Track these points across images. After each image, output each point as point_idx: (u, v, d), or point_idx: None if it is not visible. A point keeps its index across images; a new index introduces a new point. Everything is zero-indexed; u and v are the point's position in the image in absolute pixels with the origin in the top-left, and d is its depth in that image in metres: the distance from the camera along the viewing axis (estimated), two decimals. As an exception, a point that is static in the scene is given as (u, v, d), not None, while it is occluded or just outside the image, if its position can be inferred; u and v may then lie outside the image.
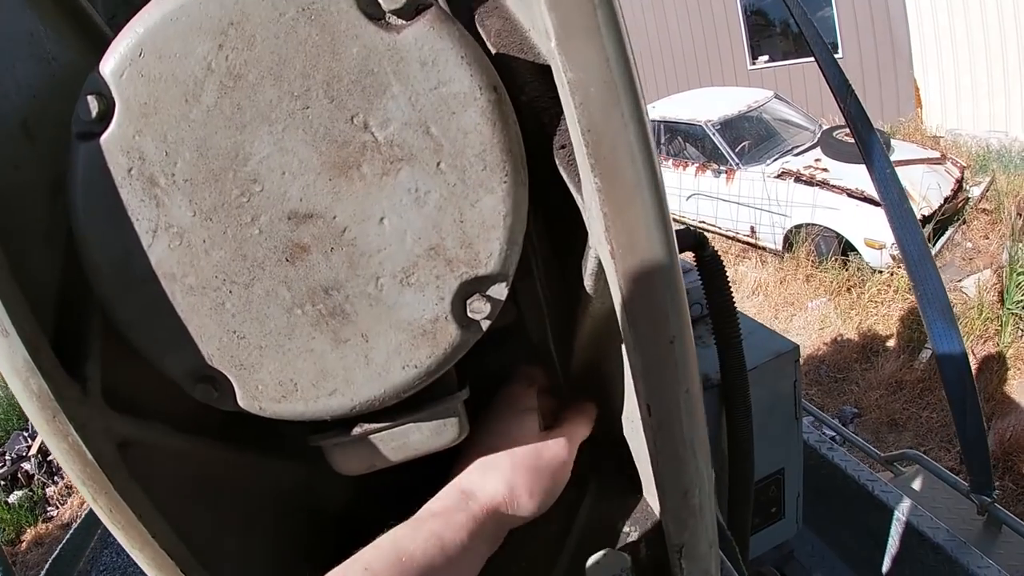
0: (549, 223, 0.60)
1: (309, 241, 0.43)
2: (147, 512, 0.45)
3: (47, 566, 1.62)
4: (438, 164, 0.42)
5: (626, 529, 0.73)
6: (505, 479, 0.54)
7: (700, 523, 0.54)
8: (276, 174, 0.41)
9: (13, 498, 4.82)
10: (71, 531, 1.70)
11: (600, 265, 0.45)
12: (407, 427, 0.52)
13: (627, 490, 0.78)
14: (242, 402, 0.46)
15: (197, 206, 0.41)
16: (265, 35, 0.40)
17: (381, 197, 0.42)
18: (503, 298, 0.45)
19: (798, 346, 1.52)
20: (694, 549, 0.56)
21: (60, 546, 1.64)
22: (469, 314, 0.44)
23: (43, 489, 4.94)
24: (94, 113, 0.40)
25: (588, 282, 0.49)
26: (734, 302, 1.29)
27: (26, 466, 5.04)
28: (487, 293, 0.44)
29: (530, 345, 0.74)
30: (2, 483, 4.95)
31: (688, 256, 1.39)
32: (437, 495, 0.53)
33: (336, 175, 0.42)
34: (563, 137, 0.45)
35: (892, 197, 1.54)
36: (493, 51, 0.49)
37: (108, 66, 0.40)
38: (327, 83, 0.40)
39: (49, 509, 4.83)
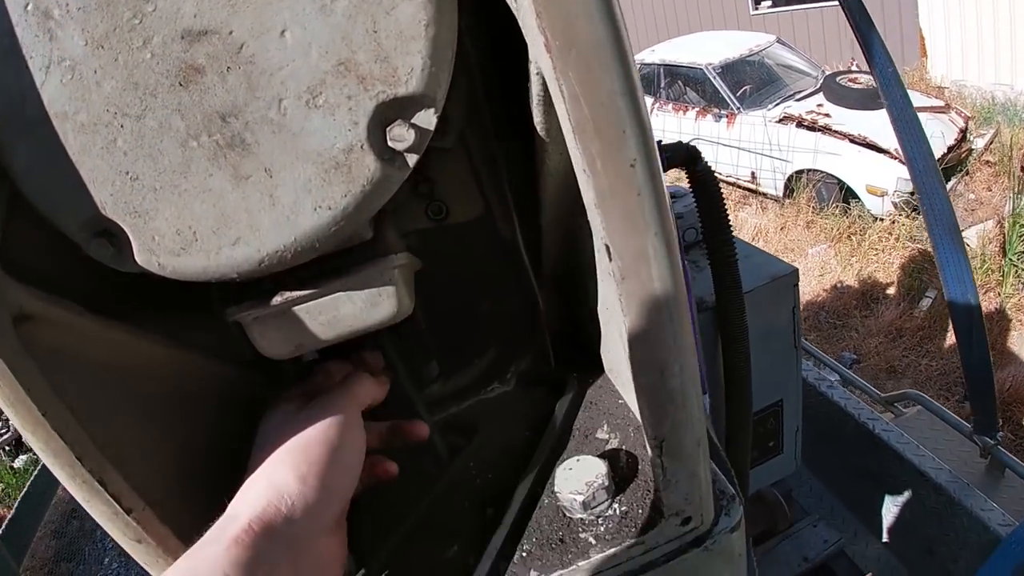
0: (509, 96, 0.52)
1: (204, 61, 0.37)
2: (40, 390, 0.40)
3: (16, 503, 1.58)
4: None
5: (604, 436, 0.68)
6: (261, 487, 0.45)
7: (683, 412, 0.47)
8: None
9: (18, 463, 4.85)
10: (36, 469, 1.66)
11: (546, 89, 0.38)
12: (336, 296, 0.46)
13: (606, 395, 0.72)
14: (139, 257, 0.41)
15: (89, 34, 0.38)
16: None
17: (282, 7, 0.36)
18: (431, 127, 0.38)
19: (797, 269, 1.44)
20: (677, 445, 0.48)
21: (29, 482, 1.61)
22: (389, 143, 0.38)
23: (46, 452, 4.96)
24: None
25: (537, 118, 0.42)
26: (728, 219, 1.21)
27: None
28: (412, 121, 0.38)
29: (499, 242, 0.68)
30: (7, 448, 4.97)
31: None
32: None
33: None
34: None
35: (895, 98, 1.42)
36: None
37: None
38: None
39: (53, 472, 4.87)
